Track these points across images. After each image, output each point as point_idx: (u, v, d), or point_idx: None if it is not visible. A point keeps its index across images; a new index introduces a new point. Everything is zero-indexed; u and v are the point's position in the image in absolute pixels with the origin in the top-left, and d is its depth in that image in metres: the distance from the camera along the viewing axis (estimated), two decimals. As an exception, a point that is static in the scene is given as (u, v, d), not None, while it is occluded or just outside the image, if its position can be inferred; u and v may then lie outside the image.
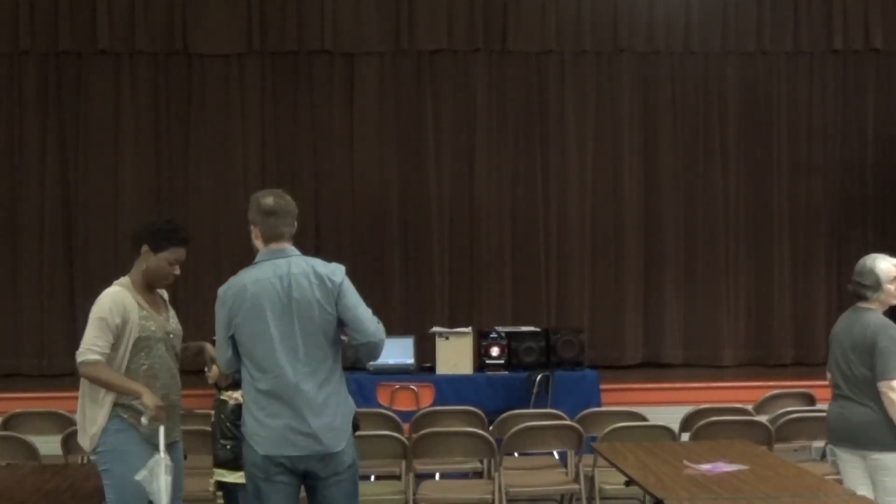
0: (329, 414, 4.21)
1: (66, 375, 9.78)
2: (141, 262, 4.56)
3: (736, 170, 10.55)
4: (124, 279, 4.59)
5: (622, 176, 10.45)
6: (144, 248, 4.54)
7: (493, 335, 8.35)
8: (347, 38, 10.16)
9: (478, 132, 10.38)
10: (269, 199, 4.53)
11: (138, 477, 4.23)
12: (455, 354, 8.14)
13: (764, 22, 10.39)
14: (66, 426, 6.49)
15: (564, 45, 10.36)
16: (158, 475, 4.22)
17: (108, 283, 10.65)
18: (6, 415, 6.88)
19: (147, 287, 4.58)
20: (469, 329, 8.41)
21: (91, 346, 4.40)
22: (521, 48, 10.33)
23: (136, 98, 10.15)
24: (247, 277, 4.32)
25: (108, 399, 4.43)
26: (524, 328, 8.68)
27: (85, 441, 4.49)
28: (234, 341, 4.27)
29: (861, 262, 5.35)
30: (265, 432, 4.18)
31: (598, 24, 10.33)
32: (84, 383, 4.49)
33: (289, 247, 4.41)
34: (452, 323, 9.26)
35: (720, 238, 10.49)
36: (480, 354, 8.27)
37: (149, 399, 4.30)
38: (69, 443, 6.18)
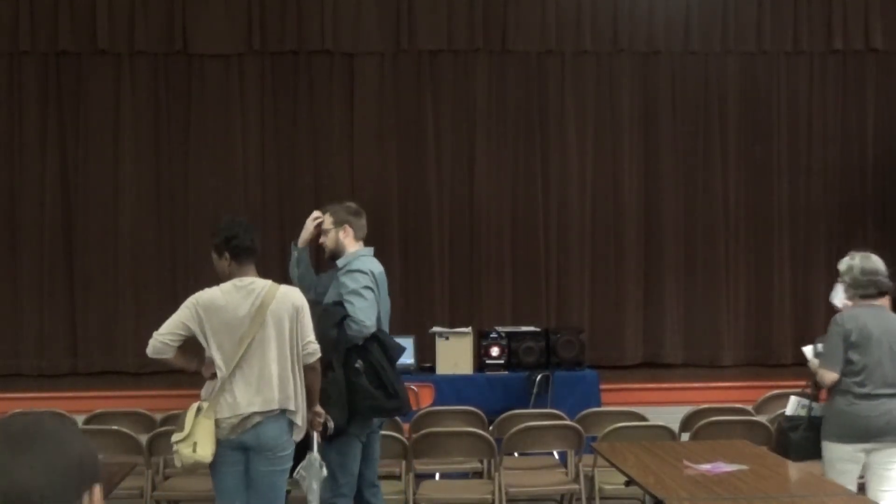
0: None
1: (66, 375, 9.80)
2: None
3: (736, 170, 10.54)
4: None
5: (622, 176, 10.44)
6: None
7: (493, 335, 8.34)
8: (347, 38, 10.16)
9: (478, 132, 10.37)
10: (353, 203, 5.58)
11: (297, 475, 4.89)
12: (455, 354, 8.14)
13: (764, 22, 10.39)
14: (65, 426, 6.47)
15: (564, 45, 10.35)
16: (313, 471, 4.88)
17: (108, 283, 10.63)
18: (6, 415, 6.86)
19: None
20: (469, 329, 8.40)
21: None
22: (521, 48, 10.32)
23: (136, 98, 10.14)
24: (375, 266, 5.44)
25: None
26: (524, 328, 8.67)
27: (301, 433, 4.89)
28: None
29: (877, 261, 5.38)
30: None
31: (598, 24, 10.32)
32: (298, 378, 4.81)
33: None
34: (452, 323, 9.25)
35: (720, 238, 10.49)
36: (480, 354, 8.27)
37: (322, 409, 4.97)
38: None
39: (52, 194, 10.07)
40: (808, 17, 10.43)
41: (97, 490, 1.61)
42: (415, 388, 7.82)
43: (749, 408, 7.15)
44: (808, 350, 5.80)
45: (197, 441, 4.64)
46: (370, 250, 5.60)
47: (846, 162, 10.58)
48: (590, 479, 6.28)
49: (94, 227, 10.08)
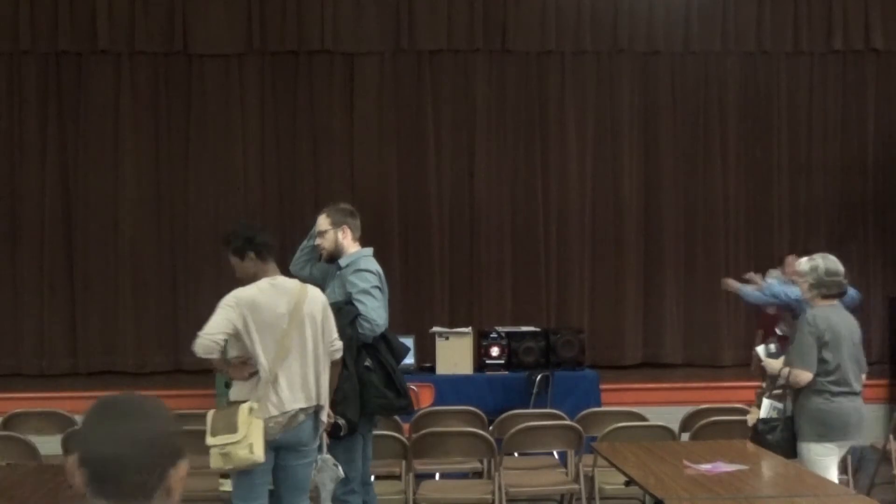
0: None
1: (65, 375, 9.80)
2: None
3: (736, 170, 10.55)
4: None
5: (622, 176, 10.44)
6: None
7: (493, 335, 8.34)
8: (347, 38, 10.16)
9: (478, 132, 10.37)
10: (347, 204, 5.64)
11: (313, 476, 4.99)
12: (455, 354, 8.14)
13: (764, 22, 10.39)
14: (66, 426, 6.48)
15: (564, 45, 10.36)
16: (328, 472, 4.99)
17: (108, 284, 10.62)
18: (6, 415, 6.87)
19: None
20: (469, 329, 8.40)
21: None
22: (521, 48, 10.32)
23: (136, 98, 10.14)
24: (378, 266, 5.50)
25: None
26: (524, 328, 8.67)
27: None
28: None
29: (837, 262, 5.53)
30: None
31: (598, 24, 10.32)
32: (326, 375, 4.96)
33: None
34: (452, 323, 9.26)
35: (720, 238, 10.49)
36: (480, 354, 8.27)
37: None
38: (69, 443, 6.17)
39: (52, 194, 10.07)
40: (808, 17, 10.43)
41: (182, 466, 1.82)
42: (415, 388, 7.81)
43: (749, 408, 7.15)
44: (760, 350, 5.88)
45: (253, 442, 4.64)
46: (370, 251, 5.62)
47: (846, 162, 10.58)
48: (590, 479, 6.28)
49: (94, 227, 10.08)
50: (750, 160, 10.55)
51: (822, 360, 5.36)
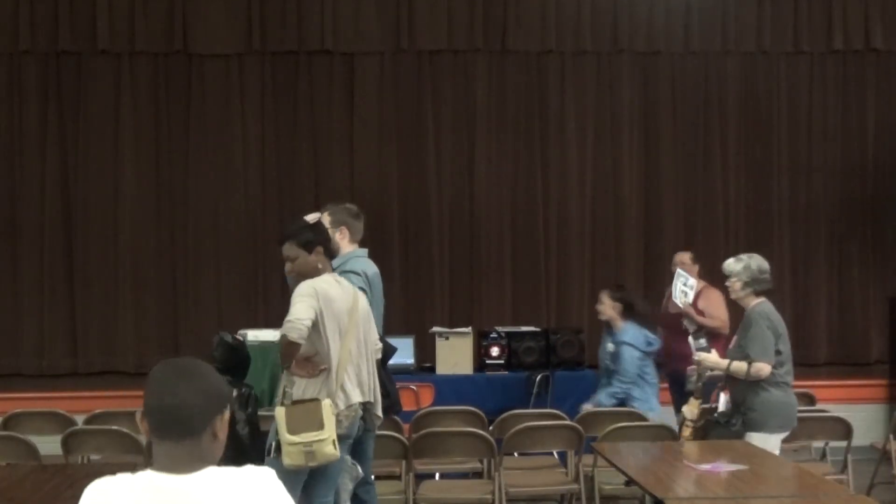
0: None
1: (66, 375, 9.80)
2: None
3: (736, 170, 10.54)
4: None
5: (622, 176, 10.44)
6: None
7: (493, 335, 8.34)
8: (347, 38, 10.16)
9: (478, 132, 10.37)
10: (353, 205, 5.64)
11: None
12: (455, 354, 8.14)
13: (764, 22, 10.39)
14: (66, 426, 6.48)
15: (564, 45, 10.35)
16: (346, 469, 5.04)
17: (108, 284, 10.61)
18: (6, 415, 6.88)
19: None
20: (469, 329, 8.40)
21: None
22: (521, 48, 10.32)
23: (136, 98, 10.14)
24: (368, 267, 5.49)
25: None
26: (524, 328, 8.68)
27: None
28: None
29: (764, 259, 5.67)
30: None
31: (598, 24, 10.32)
32: (374, 372, 5.06)
33: None
34: (452, 323, 9.25)
35: (720, 238, 10.49)
36: (480, 354, 8.27)
37: None
38: (69, 443, 6.18)
39: (52, 194, 10.07)
40: (808, 17, 10.42)
41: (226, 414, 2.24)
42: (415, 388, 7.82)
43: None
44: (691, 343, 6.00)
45: (335, 438, 4.66)
46: (364, 251, 5.64)
47: (846, 162, 10.57)
48: (590, 479, 6.29)
49: (94, 227, 10.08)
50: (750, 160, 10.54)
51: (777, 353, 5.51)
